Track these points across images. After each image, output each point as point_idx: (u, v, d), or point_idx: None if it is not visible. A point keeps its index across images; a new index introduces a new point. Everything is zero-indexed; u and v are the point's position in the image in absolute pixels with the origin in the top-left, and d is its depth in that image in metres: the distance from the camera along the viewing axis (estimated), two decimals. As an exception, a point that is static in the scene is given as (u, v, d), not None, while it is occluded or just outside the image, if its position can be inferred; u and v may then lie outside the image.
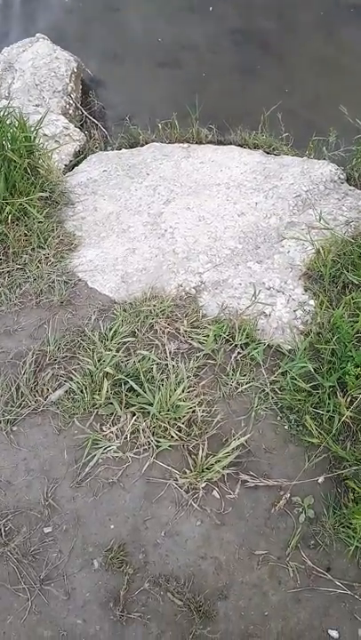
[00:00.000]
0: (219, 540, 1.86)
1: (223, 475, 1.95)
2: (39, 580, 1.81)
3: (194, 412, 2.08)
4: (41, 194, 2.93)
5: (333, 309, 2.29)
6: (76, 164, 3.44)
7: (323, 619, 1.73)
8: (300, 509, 1.90)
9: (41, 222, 2.84)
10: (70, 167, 3.44)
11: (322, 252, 2.55)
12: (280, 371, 2.19)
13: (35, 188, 2.91)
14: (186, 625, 1.73)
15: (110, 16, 4.56)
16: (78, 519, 1.91)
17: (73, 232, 2.89)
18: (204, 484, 1.94)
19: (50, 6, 4.77)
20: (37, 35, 4.27)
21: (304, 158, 3.25)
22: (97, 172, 3.25)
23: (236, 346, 2.27)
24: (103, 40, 4.43)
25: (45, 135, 3.46)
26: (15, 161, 2.79)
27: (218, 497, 1.93)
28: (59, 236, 2.84)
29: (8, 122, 2.88)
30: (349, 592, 1.76)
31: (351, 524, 1.82)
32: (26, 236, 2.79)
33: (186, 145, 3.36)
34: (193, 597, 1.76)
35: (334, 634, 1.71)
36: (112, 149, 3.52)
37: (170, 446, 2.02)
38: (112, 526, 1.89)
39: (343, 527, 1.84)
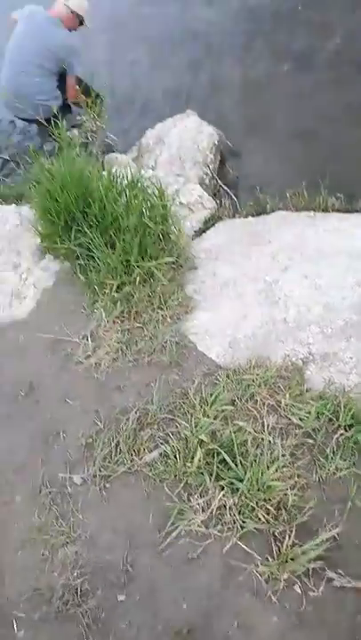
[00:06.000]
0: (296, 643, 1.68)
1: (308, 568, 1.77)
2: (105, 649, 1.78)
3: (285, 494, 1.94)
4: (169, 259, 3.08)
5: None
6: (205, 231, 3.57)
7: None
8: (396, 627, 1.64)
9: (165, 285, 2.99)
10: (199, 233, 3.58)
11: None
12: (387, 460, 1.97)
13: (164, 252, 3.07)
14: None
15: (252, 92, 4.78)
16: (153, 591, 1.86)
17: (191, 295, 2.98)
18: (286, 576, 1.78)
19: (199, 84, 5.14)
20: (188, 111, 4.63)
21: None
22: (222, 239, 3.34)
23: (339, 426, 2.10)
24: (244, 114, 4.64)
25: (181, 203, 3.69)
26: (150, 227, 2.99)
27: (299, 592, 1.76)
28: (178, 299, 2.94)
29: (150, 191, 3.13)
30: None
31: None
32: (149, 297, 2.94)
33: (312, 214, 3.31)
34: None
35: None
36: (240, 217, 3.60)
37: (255, 528, 1.90)
38: (185, 606, 1.81)
39: None
